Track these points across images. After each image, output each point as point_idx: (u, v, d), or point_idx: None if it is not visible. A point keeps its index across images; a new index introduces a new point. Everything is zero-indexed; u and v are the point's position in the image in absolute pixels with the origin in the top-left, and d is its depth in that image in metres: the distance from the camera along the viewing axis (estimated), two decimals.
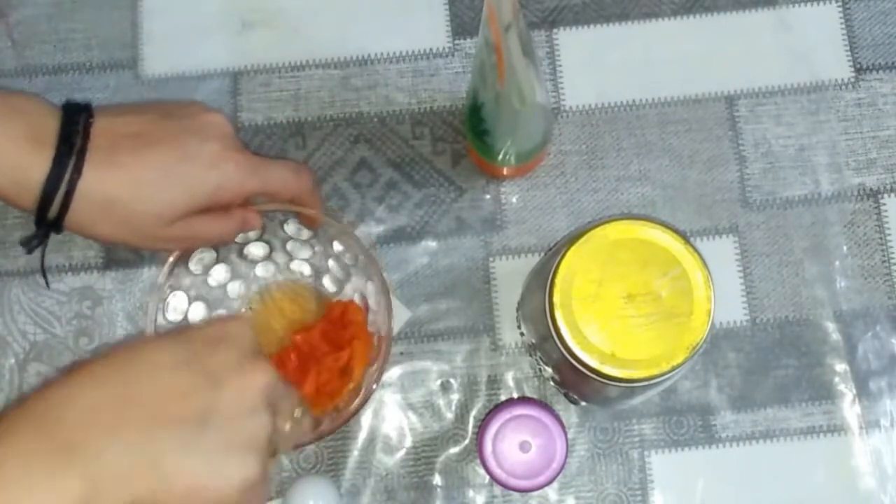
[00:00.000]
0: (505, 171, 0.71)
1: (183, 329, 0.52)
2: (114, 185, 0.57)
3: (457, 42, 0.74)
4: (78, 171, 0.56)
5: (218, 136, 0.60)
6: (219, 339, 0.50)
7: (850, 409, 0.69)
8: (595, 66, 0.74)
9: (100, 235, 0.60)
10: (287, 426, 0.52)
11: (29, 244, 0.60)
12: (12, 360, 0.70)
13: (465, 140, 0.71)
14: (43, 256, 0.64)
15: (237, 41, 0.74)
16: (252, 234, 0.66)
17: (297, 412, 0.53)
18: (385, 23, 0.74)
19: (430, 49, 0.74)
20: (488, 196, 0.72)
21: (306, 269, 0.69)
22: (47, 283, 0.69)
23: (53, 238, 0.70)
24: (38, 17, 0.75)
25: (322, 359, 0.65)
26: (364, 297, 0.66)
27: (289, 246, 0.68)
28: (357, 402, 0.62)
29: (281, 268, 0.69)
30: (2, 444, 0.44)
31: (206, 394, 0.47)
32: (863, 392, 0.69)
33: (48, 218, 0.57)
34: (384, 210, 0.72)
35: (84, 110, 0.58)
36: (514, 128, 0.62)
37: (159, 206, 0.58)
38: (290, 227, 0.66)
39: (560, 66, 0.74)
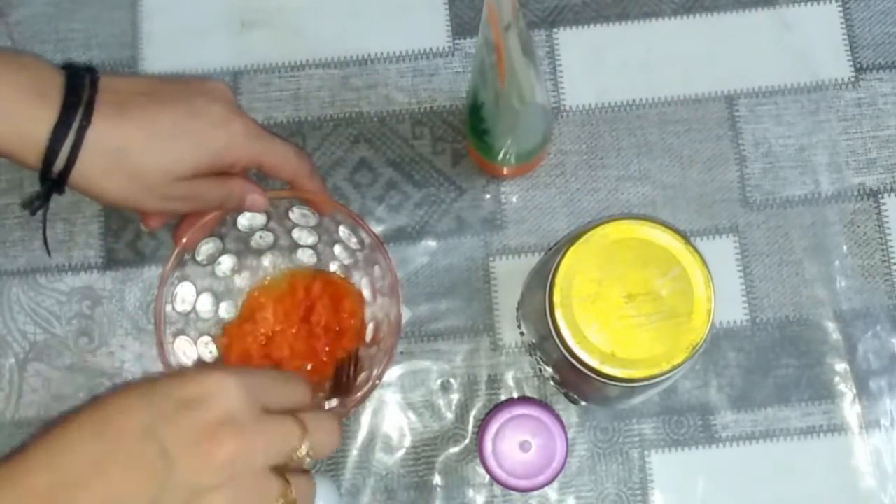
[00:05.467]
0: (505, 171, 0.71)
1: (159, 378, 0.49)
2: (124, 136, 0.57)
3: (457, 42, 0.74)
4: (87, 119, 0.55)
5: (224, 100, 0.61)
6: (189, 400, 0.47)
7: (850, 409, 0.69)
8: (595, 66, 0.74)
9: (105, 191, 0.58)
10: (292, 460, 0.50)
11: (31, 205, 0.59)
12: (12, 360, 0.70)
13: (465, 140, 0.71)
14: (45, 220, 0.63)
15: (237, 41, 0.74)
16: (257, 223, 0.66)
17: (303, 449, 0.50)
18: (385, 22, 0.74)
19: (430, 49, 0.74)
20: (488, 196, 0.72)
21: (312, 257, 0.69)
22: (48, 251, 0.68)
23: (53, 238, 0.71)
24: (38, 17, 0.75)
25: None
26: (371, 283, 0.67)
27: (294, 234, 0.68)
28: (367, 387, 0.62)
29: (287, 256, 0.69)
30: None
31: (158, 474, 0.46)
32: (863, 392, 0.69)
33: (53, 172, 0.56)
34: (384, 210, 0.72)
35: (88, 70, 0.58)
36: (514, 127, 0.62)
37: (168, 160, 0.58)
38: (295, 215, 0.66)
39: (560, 66, 0.74)
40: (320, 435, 0.50)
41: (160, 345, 0.62)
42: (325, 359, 0.66)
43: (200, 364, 0.65)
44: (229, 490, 0.47)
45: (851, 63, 0.74)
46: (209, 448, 0.46)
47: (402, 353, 0.70)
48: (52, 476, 0.46)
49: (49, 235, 0.70)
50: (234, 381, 0.48)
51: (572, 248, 0.55)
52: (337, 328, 0.67)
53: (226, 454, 0.46)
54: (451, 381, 0.70)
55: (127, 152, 0.57)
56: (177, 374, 0.50)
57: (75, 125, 0.55)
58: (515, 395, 0.70)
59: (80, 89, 0.56)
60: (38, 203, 0.59)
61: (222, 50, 0.74)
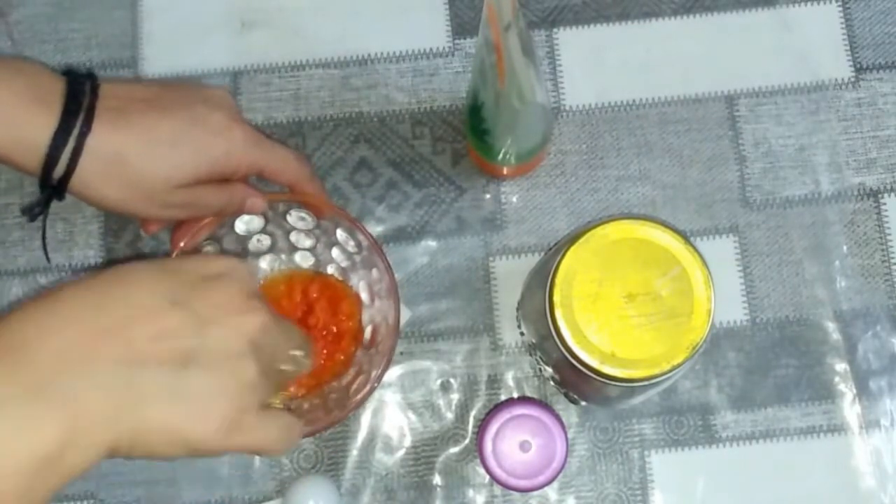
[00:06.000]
0: (505, 171, 0.71)
1: (171, 259, 0.49)
2: (124, 143, 0.57)
3: (457, 42, 0.74)
4: (88, 125, 0.55)
5: (224, 107, 0.61)
6: (213, 276, 0.48)
7: (850, 409, 0.69)
8: (595, 65, 0.74)
9: (104, 198, 0.58)
10: (286, 365, 0.50)
11: (31, 211, 0.59)
12: None
13: (465, 140, 0.71)
14: (44, 226, 0.63)
15: (237, 41, 0.74)
16: (255, 227, 0.66)
17: (298, 352, 0.51)
18: (385, 22, 0.74)
19: (430, 49, 0.74)
20: (488, 196, 0.72)
21: (309, 260, 0.69)
22: (47, 256, 0.68)
23: (53, 238, 0.71)
24: (38, 17, 0.75)
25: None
26: (369, 286, 0.66)
27: (292, 237, 0.68)
28: (366, 389, 0.62)
29: (284, 260, 0.69)
30: None
31: (191, 335, 0.45)
32: (863, 392, 0.69)
33: (53, 178, 0.56)
34: (384, 210, 0.72)
35: (88, 76, 0.58)
36: (514, 127, 0.62)
37: (169, 167, 0.58)
38: (293, 217, 0.66)
39: (560, 66, 0.74)
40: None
41: None
42: (322, 361, 0.66)
43: None
44: (256, 358, 0.47)
45: (851, 63, 0.74)
46: (241, 317, 0.47)
47: (401, 353, 0.70)
48: (77, 326, 0.44)
49: (49, 235, 0.71)
50: (241, 264, 0.50)
51: (572, 248, 0.55)
52: (335, 330, 0.66)
53: (253, 323, 0.47)
54: (451, 381, 0.70)
55: (127, 159, 0.57)
56: (190, 255, 0.51)
57: (75, 132, 0.55)
58: (515, 395, 0.70)
59: (80, 96, 0.56)
60: (37, 209, 0.59)
61: (222, 50, 0.74)
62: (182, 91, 0.61)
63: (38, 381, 0.42)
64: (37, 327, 0.43)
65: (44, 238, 0.64)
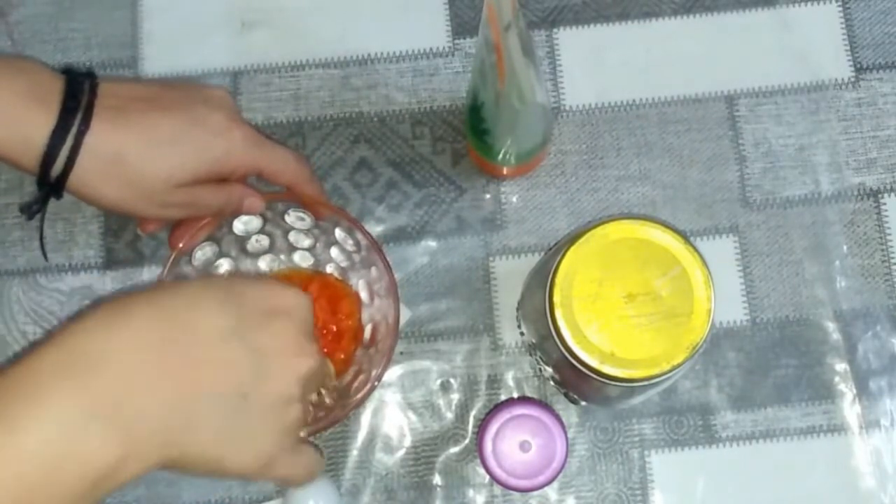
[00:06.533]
0: (505, 171, 0.71)
1: (238, 284, 0.50)
2: (123, 142, 0.57)
3: (457, 42, 0.74)
4: (86, 123, 0.55)
5: (224, 107, 0.61)
6: (275, 311, 0.49)
7: (850, 409, 0.69)
8: (595, 66, 0.74)
9: (103, 197, 0.58)
10: (316, 396, 0.54)
11: (29, 209, 0.59)
12: None
13: (465, 140, 0.71)
14: (42, 225, 0.63)
15: (237, 41, 0.74)
16: (253, 227, 0.66)
17: (331, 384, 0.55)
18: (385, 22, 0.74)
19: (430, 49, 0.74)
20: (488, 196, 0.72)
21: (308, 260, 0.69)
22: (45, 255, 0.67)
23: (54, 238, 0.71)
24: (38, 17, 0.75)
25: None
26: (369, 285, 0.66)
27: (291, 236, 0.68)
28: (366, 389, 0.62)
29: (283, 260, 0.69)
30: (37, 398, 0.42)
31: (250, 372, 0.47)
32: (863, 392, 0.69)
33: (51, 176, 0.56)
34: (384, 210, 0.72)
35: (87, 75, 0.58)
36: (514, 127, 0.62)
37: (168, 167, 0.58)
38: (292, 217, 0.66)
39: (560, 66, 0.74)
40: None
41: None
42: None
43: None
44: (301, 404, 0.50)
45: (851, 63, 0.74)
46: (297, 360, 0.49)
47: (401, 353, 0.70)
48: (143, 347, 0.45)
49: (49, 235, 0.71)
50: (307, 299, 0.51)
51: (572, 248, 0.55)
52: (334, 329, 0.66)
53: (307, 367, 0.50)
54: (451, 381, 0.70)
55: (125, 158, 0.57)
56: (249, 283, 0.51)
57: (74, 130, 0.55)
58: (515, 395, 0.70)
59: (79, 94, 0.56)
60: (35, 208, 0.59)
61: (222, 50, 0.74)
62: (182, 91, 0.61)
63: (105, 401, 0.43)
64: (106, 343, 0.45)
65: (41, 237, 0.64)
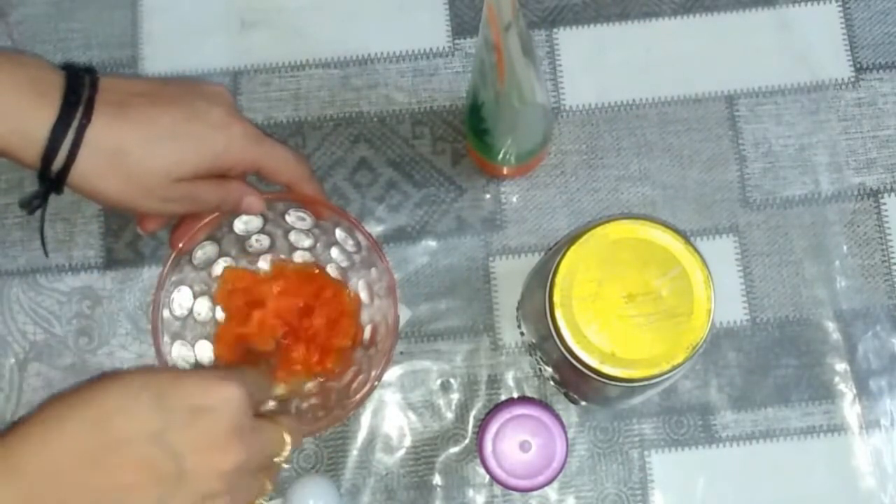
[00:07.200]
0: (505, 171, 0.71)
1: (171, 381, 0.51)
2: (123, 136, 0.57)
3: (457, 42, 0.74)
4: (87, 118, 0.55)
5: (223, 103, 0.61)
6: (203, 410, 0.50)
7: (850, 409, 0.69)
8: (595, 65, 0.74)
9: (103, 192, 0.58)
10: (267, 470, 0.54)
11: (29, 204, 0.59)
12: (12, 360, 0.70)
13: (465, 140, 0.71)
14: (42, 221, 0.63)
15: (237, 41, 0.74)
16: (253, 227, 0.66)
17: (279, 458, 0.54)
18: (385, 22, 0.74)
19: (430, 49, 0.74)
20: (488, 196, 0.72)
21: (309, 260, 0.69)
22: (46, 252, 0.67)
23: (54, 238, 0.71)
24: (38, 17, 0.75)
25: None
26: (368, 285, 0.66)
27: (291, 236, 0.68)
28: (366, 389, 0.62)
29: (284, 259, 0.69)
30: None
31: (171, 473, 0.49)
32: (863, 392, 0.69)
33: (52, 171, 0.56)
34: (384, 210, 0.72)
35: (88, 70, 0.58)
36: (514, 127, 0.62)
37: (168, 162, 0.58)
38: (292, 217, 0.66)
39: (560, 66, 0.74)
40: (296, 437, 0.56)
41: (158, 350, 0.62)
42: (316, 361, 0.66)
43: (199, 368, 0.65)
44: (229, 495, 0.51)
45: (851, 63, 0.74)
46: (221, 457, 0.50)
47: (401, 353, 0.70)
48: (68, 448, 0.48)
49: (49, 235, 0.71)
50: (238, 392, 0.51)
51: (572, 248, 0.55)
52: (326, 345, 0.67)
53: (232, 462, 0.50)
54: (451, 381, 0.70)
55: (126, 153, 0.57)
56: (181, 379, 0.52)
57: (75, 124, 0.55)
58: (515, 395, 0.70)
59: (79, 88, 0.56)
60: (36, 203, 0.59)
61: (222, 50, 0.74)
62: (182, 87, 0.61)
63: (28, 492, 0.47)
64: (42, 448, 0.48)
65: (42, 233, 0.64)
